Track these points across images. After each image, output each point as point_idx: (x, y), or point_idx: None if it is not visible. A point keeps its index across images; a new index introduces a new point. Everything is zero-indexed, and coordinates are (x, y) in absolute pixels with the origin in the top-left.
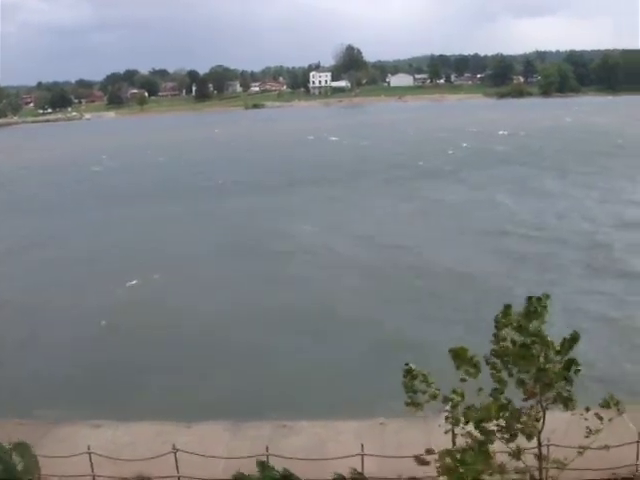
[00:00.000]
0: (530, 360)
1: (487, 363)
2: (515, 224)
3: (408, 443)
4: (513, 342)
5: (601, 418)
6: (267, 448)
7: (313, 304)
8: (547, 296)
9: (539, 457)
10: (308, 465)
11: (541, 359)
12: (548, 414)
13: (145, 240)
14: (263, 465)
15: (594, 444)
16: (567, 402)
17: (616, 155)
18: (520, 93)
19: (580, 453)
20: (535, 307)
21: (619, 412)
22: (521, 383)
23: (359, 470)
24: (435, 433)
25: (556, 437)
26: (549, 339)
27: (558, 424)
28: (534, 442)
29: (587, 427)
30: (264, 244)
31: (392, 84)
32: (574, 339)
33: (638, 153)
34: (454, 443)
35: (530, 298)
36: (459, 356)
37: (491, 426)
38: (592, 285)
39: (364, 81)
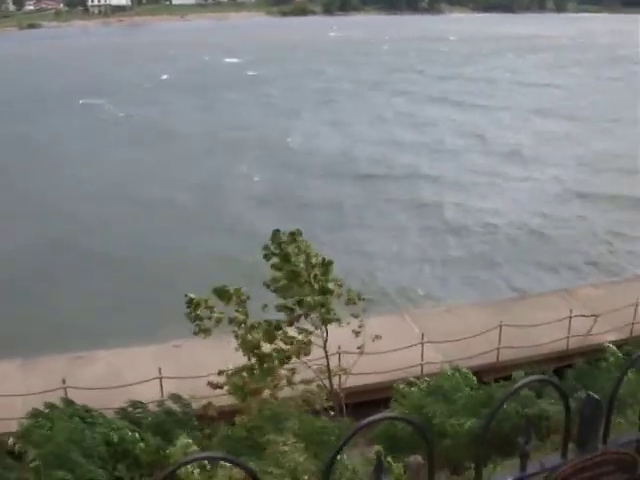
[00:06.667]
0: (297, 287)
1: (267, 287)
2: None
3: (204, 363)
4: (280, 269)
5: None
6: (64, 381)
7: None
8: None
9: (327, 367)
10: (107, 394)
11: (306, 288)
12: (335, 326)
13: None
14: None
15: (382, 349)
16: (326, 322)
17: None
18: (303, 11)
19: (360, 354)
20: (295, 239)
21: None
22: (285, 308)
23: (158, 393)
24: (230, 350)
25: (343, 347)
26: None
27: (344, 334)
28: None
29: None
30: None
31: (174, 2)
32: (328, 264)
33: None
34: (249, 358)
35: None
36: (224, 295)
37: (269, 348)
38: None
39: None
